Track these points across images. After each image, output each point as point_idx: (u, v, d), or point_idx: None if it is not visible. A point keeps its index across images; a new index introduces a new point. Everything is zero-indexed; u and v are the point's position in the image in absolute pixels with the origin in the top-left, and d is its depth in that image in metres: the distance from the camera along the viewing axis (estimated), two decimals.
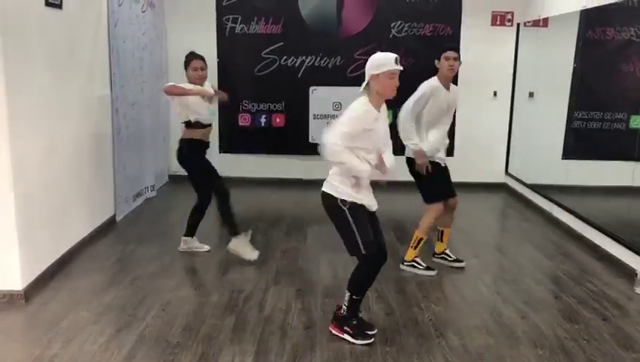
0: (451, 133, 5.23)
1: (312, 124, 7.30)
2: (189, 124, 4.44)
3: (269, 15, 7.11)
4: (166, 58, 7.09)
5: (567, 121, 5.93)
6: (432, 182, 4.26)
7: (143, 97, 6.18)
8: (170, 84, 4.40)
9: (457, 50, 4.21)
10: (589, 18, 5.55)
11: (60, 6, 4.24)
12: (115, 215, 5.49)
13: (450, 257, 4.60)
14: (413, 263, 4.40)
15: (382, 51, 3.23)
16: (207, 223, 4.86)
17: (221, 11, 7.13)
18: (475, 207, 6.37)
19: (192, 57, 4.43)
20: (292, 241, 5.16)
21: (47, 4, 4.05)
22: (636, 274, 4.17)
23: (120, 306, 3.72)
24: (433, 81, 4.18)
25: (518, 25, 7.11)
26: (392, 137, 3.43)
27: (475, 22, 7.06)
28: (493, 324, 3.57)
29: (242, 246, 4.56)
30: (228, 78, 7.17)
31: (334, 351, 3.20)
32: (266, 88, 7.27)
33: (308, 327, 3.48)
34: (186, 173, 4.59)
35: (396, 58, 3.12)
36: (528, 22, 6.89)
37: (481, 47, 7.02)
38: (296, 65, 7.21)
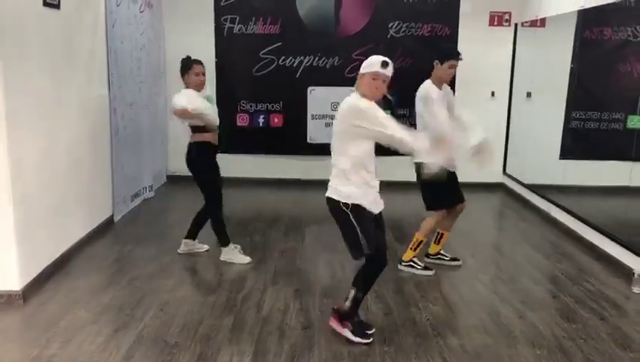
0: None
1: (310, 124, 7.30)
2: (197, 128, 4.38)
3: (267, 15, 7.11)
4: (164, 58, 7.08)
5: (564, 121, 5.94)
6: (440, 190, 4.17)
7: (140, 97, 6.18)
8: (179, 107, 4.27)
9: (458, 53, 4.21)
10: (586, 18, 5.56)
11: (57, 6, 4.24)
12: (113, 215, 5.49)
13: (446, 257, 4.61)
14: (411, 263, 4.41)
15: (379, 52, 3.25)
16: (206, 223, 4.85)
17: (219, 11, 7.13)
18: (472, 206, 6.34)
19: (193, 62, 4.36)
20: (290, 241, 5.16)
21: (45, 4, 4.05)
22: (634, 273, 4.18)
23: (118, 306, 3.72)
24: (427, 84, 4.13)
25: (516, 25, 7.12)
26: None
27: (473, 22, 7.06)
28: (491, 324, 3.58)
29: (234, 254, 4.58)
30: (226, 79, 7.18)
31: (332, 351, 3.20)
32: (264, 88, 7.26)
33: (306, 327, 3.48)
34: (187, 174, 4.56)
35: (384, 62, 3.10)
36: (526, 22, 6.90)
37: (478, 48, 7.02)
38: (294, 65, 7.21)
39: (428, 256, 4.60)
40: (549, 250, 5.11)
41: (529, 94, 6.88)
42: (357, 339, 3.29)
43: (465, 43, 6.84)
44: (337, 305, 3.42)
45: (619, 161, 5.28)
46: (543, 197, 6.21)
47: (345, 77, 7.03)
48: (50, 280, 4.07)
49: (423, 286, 4.15)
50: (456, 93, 5.31)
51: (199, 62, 4.39)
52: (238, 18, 7.11)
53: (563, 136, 5.99)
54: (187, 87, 4.39)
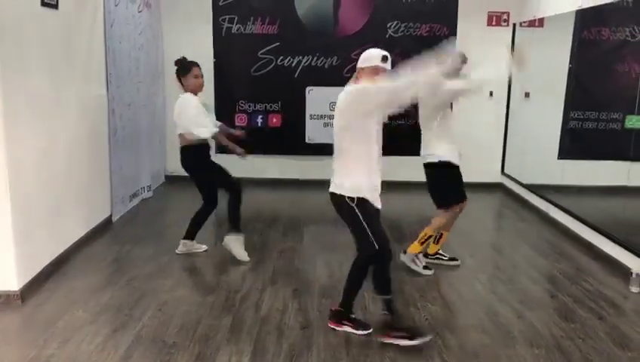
0: None
1: (309, 124, 7.30)
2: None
3: (265, 15, 7.11)
4: (162, 58, 7.08)
5: (562, 121, 5.95)
6: (450, 186, 4.30)
7: (139, 98, 6.17)
8: (208, 135, 4.33)
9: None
10: (584, 18, 5.56)
11: (56, 6, 4.24)
12: (111, 215, 5.48)
13: (445, 256, 4.61)
14: (415, 258, 4.40)
15: None
16: (205, 223, 4.85)
17: (217, 11, 7.12)
18: (471, 206, 6.32)
19: (192, 65, 4.36)
20: (289, 241, 5.16)
21: (43, 4, 4.05)
22: (631, 273, 4.18)
23: (116, 306, 3.72)
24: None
25: (514, 25, 7.13)
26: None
27: (471, 22, 7.06)
28: (489, 323, 3.58)
29: (237, 245, 4.56)
30: (224, 79, 7.18)
31: (331, 351, 3.20)
32: (263, 88, 7.26)
33: (304, 327, 3.48)
34: (185, 174, 4.56)
35: (384, 56, 3.11)
36: (524, 22, 6.90)
37: (477, 48, 7.00)
38: (293, 65, 7.21)
39: (427, 255, 4.60)
40: (548, 249, 5.11)
41: (527, 94, 6.88)
42: (359, 332, 3.34)
43: (463, 43, 6.83)
44: (335, 306, 3.44)
45: (617, 161, 5.29)
46: (541, 197, 6.22)
47: (343, 77, 7.01)
48: (49, 281, 4.07)
49: (422, 286, 4.16)
50: None
51: (197, 64, 4.38)
52: (236, 18, 7.11)
53: (561, 136, 5.99)
54: (186, 90, 4.37)
